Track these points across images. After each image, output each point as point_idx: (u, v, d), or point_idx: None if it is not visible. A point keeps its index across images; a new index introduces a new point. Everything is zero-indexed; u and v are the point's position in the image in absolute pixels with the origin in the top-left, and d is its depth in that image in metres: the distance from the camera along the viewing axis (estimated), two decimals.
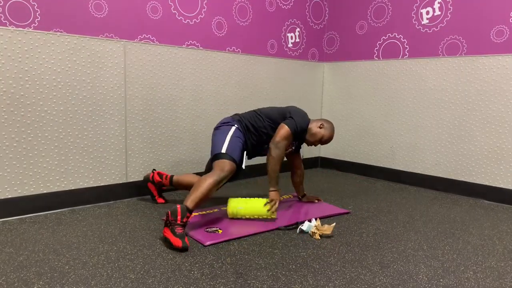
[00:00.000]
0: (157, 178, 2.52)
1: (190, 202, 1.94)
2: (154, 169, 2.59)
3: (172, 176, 2.51)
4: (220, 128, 2.31)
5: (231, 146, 2.20)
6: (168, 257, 1.75)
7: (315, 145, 2.43)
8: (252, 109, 2.48)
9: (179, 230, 1.84)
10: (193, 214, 2.26)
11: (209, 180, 2.01)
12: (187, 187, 2.41)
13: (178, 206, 1.88)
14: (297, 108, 2.40)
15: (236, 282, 1.55)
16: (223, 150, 2.17)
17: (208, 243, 1.91)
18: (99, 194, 2.53)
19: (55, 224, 2.13)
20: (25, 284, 1.49)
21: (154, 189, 2.55)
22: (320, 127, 2.37)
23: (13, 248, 1.81)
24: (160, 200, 2.57)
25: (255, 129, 2.32)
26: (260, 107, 3.34)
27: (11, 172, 2.20)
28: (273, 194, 2.22)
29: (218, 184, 2.05)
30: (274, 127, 2.31)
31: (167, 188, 2.68)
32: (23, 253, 1.76)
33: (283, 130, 2.23)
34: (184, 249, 1.81)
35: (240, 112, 2.56)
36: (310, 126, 2.38)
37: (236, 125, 2.30)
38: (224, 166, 2.09)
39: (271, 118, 2.34)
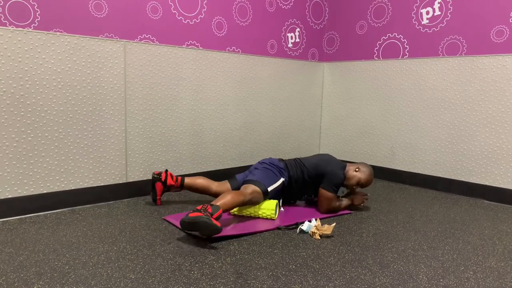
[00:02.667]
0: (170, 181, 2.45)
1: (221, 205, 2.02)
2: (167, 170, 2.51)
3: (183, 178, 2.47)
4: (269, 168, 2.42)
5: (272, 191, 2.34)
6: (168, 257, 1.75)
7: (354, 189, 2.53)
8: (295, 159, 2.57)
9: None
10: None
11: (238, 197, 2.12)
12: (201, 190, 2.47)
13: (221, 208, 1.98)
14: (331, 162, 2.45)
15: (236, 282, 1.55)
16: (267, 187, 2.30)
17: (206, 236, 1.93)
18: (99, 194, 2.53)
19: (55, 224, 2.13)
20: (25, 284, 1.49)
21: (161, 190, 2.47)
22: (356, 171, 2.49)
23: (13, 248, 1.81)
24: (159, 203, 2.52)
25: (298, 181, 2.48)
26: (260, 107, 3.36)
27: (11, 172, 2.20)
28: (356, 199, 2.49)
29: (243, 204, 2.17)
30: (312, 182, 2.47)
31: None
32: (23, 253, 1.76)
33: (326, 197, 2.39)
34: (220, 230, 1.84)
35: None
36: (347, 169, 2.51)
37: (284, 179, 2.42)
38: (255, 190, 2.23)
39: (310, 175, 2.45)
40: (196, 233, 1.96)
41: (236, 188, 2.44)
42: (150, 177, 2.74)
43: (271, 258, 1.78)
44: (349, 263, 1.76)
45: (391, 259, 1.81)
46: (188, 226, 1.85)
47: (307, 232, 2.10)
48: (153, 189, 2.48)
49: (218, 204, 1.99)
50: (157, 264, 1.68)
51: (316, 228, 2.06)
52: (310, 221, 2.21)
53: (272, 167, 2.43)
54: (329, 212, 2.42)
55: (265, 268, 1.68)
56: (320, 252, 1.86)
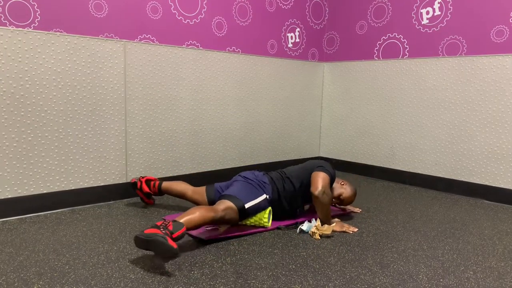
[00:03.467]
0: (145, 188, 2.42)
1: (185, 221, 1.79)
2: (141, 177, 2.47)
3: (160, 183, 2.41)
4: (250, 182, 2.16)
5: (252, 208, 2.07)
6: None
7: (333, 202, 2.32)
8: (278, 171, 2.35)
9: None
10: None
11: (207, 214, 1.87)
12: (177, 195, 2.38)
13: (184, 227, 1.74)
14: (319, 163, 2.29)
15: (236, 282, 1.55)
16: (245, 202, 2.03)
17: (206, 237, 1.93)
18: (99, 194, 2.53)
19: (55, 224, 2.13)
20: (25, 284, 1.49)
21: (142, 195, 2.46)
22: (341, 184, 2.31)
23: (13, 248, 1.81)
24: (150, 201, 2.51)
25: (289, 195, 2.24)
26: (260, 107, 3.36)
27: (11, 172, 2.20)
28: (338, 226, 2.13)
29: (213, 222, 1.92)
30: (304, 189, 2.23)
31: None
32: (23, 253, 1.76)
33: (322, 176, 2.13)
34: (175, 253, 1.59)
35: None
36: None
37: (267, 196, 2.15)
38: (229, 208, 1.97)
39: (302, 181, 2.23)
40: (151, 252, 1.73)
41: (210, 196, 2.26)
42: (150, 177, 2.74)
43: (271, 258, 1.78)
44: (349, 263, 1.76)
45: (391, 259, 1.81)
46: (141, 243, 1.63)
47: (307, 232, 2.10)
48: (137, 195, 2.52)
49: (182, 221, 1.76)
50: (157, 264, 1.68)
51: (316, 228, 2.06)
52: (310, 221, 2.20)
53: (253, 181, 2.17)
54: (323, 196, 2.07)
55: (265, 268, 1.68)
56: (320, 252, 1.86)
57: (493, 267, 1.76)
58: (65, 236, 1.97)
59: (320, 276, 1.62)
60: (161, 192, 2.42)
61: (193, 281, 1.55)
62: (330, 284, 1.55)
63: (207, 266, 1.68)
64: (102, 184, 2.54)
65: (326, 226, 2.07)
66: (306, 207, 2.35)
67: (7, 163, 2.18)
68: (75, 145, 2.41)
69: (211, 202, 2.23)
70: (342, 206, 2.45)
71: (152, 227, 1.67)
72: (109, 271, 1.61)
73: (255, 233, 2.08)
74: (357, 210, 2.52)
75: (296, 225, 2.21)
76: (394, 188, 3.20)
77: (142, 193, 2.46)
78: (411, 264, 1.76)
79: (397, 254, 1.87)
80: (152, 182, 2.44)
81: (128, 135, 2.62)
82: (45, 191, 2.32)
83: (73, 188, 2.42)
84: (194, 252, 1.82)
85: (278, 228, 2.16)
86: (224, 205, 1.96)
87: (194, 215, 1.82)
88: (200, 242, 1.93)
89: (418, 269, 1.72)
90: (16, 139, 2.20)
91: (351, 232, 2.13)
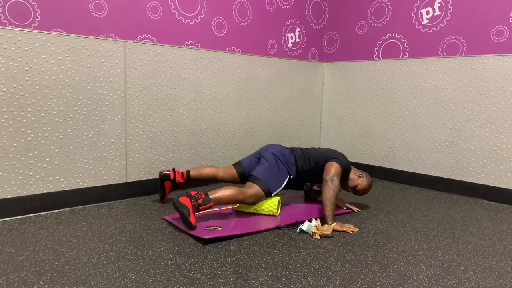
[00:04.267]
0: (179, 178, 2.49)
1: (215, 198, 2.11)
2: (174, 168, 2.58)
3: (188, 172, 2.51)
4: (278, 164, 2.37)
5: (276, 186, 2.34)
6: (168, 257, 1.75)
7: (348, 191, 2.54)
8: (300, 148, 2.57)
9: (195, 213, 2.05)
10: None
11: (239, 196, 2.18)
12: (208, 179, 2.52)
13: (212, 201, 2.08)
14: (338, 154, 2.48)
15: (236, 282, 1.55)
16: (272, 190, 2.31)
17: (206, 237, 1.93)
18: (99, 194, 2.53)
19: (55, 224, 2.13)
20: (25, 284, 1.49)
21: (170, 188, 2.52)
22: (359, 176, 2.47)
23: (13, 248, 1.81)
24: (165, 199, 2.56)
25: (304, 172, 2.45)
26: (260, 107, 3.36)
27: (11, 172, 2.20)
28: (338, 226, 2.15)
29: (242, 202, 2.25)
30: (317, 171, 2.45)
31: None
32: (23, 253, 1.76)
33: (335, 166, 2.33)
34: (193, 228, 1.99)
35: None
36: (351, 171, 2.49)
37: (291, 176, 2.40)
38: (257, 194, 2.25)
39: (317, 162, 2.44)
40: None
41: (241, 173, 2.48)
42: (151, 177, 2.74)
43: (271, 258, 1.78)
44: (349, 263, 1.76)
45: (391, 259, 1.81)
46: (174, 208, 2.03)
47: (307, 232, 2.10)
48: (162, 188, 2.51)
49: (212, 196, 2.09)
50: (157, 264, 1.68)
51: (316, 228, 2.06)
52: (310, 221, 2.21)
53: (282, 163, 2.39)
54: (332, 181, 2.24)
55: (265, 268, 1.68)
56: (320, 252, 1.86)
57: (493, 267, 1.76)
58: (65, 236, 1.97)
59: (320, 276, 1.62)
60: (189, 180, 2.52)
61: (193, 281, 1.55)
62: (330, 284, 1.55)
63: (207, 266, 1.68)
64: (102, 184, 2.54)
65: (326, 226, 2.07)
66: (315, 187, 2.59)
67: (7, 163, 2.18)
68: (75, 145, 2.41)
69: (242, 176, 2.50)
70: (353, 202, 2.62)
71: (187, 196, 2.02)
72: (109, 271, 1.62)
73: (255, 233, 2.08)
74: (355, 208, 2.53)
75: (296, 225, 2.21)
76: (394, 188, 3.20)
77: (171, 185, 2.50)
78: (411, 264, 1.76)
79: (397, 254, 1.87)
80: (180, 173, 2.52)
81: (128, 135, 2.62)
82: (45, 191, 2.32)
83: (73, 188, 2.42)
84: (194, 252, 1.82)
85: (278, 227, 2.16)
86: (254, 191, 2.23)
87: (226, 194, 2.13)
88: (200, 242, 1.93)
89: (418, 269, 1.72)
90: (16, 139, 2.20)
91: (351, 232, 2.14)
